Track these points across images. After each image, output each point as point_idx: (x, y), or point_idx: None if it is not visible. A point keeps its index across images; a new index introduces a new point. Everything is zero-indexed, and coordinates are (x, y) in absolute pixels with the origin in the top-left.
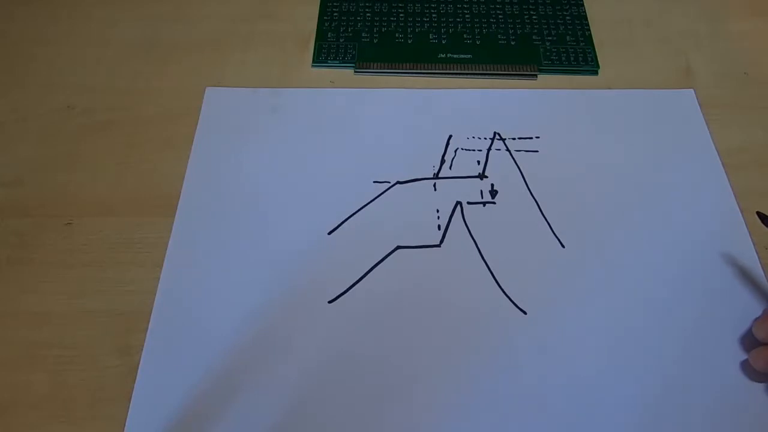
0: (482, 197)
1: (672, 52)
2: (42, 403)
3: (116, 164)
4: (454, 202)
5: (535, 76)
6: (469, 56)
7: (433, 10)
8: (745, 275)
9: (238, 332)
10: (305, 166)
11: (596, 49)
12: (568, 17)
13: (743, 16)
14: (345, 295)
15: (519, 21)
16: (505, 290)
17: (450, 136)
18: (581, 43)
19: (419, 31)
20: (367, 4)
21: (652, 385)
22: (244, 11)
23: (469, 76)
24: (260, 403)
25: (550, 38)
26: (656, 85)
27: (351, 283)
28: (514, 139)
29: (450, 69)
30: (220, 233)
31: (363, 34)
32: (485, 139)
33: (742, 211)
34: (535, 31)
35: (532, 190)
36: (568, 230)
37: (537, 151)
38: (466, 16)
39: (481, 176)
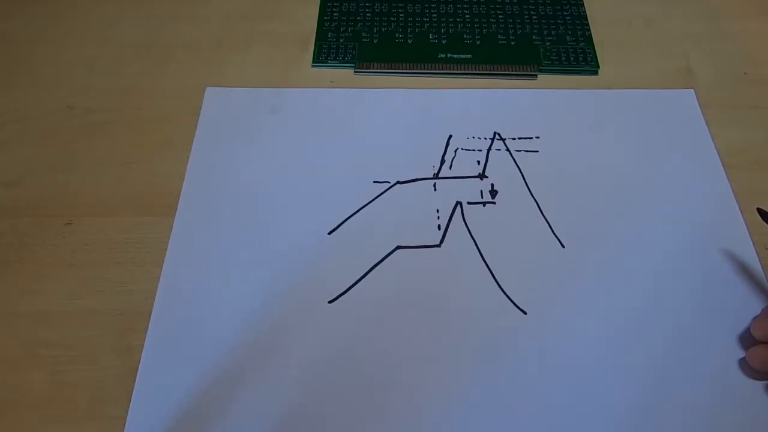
0: (482, 197)
1: (672, 52)
2: (42, 403)
3: (116, 164)
4: (454, 202)
5: (535, 76)
6: (469, 56)
7: (433, 10)
8: (745, 275)
9: (238, 332)
10: (305, 166)
11: (596, 49)
12: (568, 17)
13: (743, 16)
14: (345, 295)
15: (519, 21)
16: (505, 290)
17: (450, 136)
18: (581, 43)
19: (419, 31)
20: (367, 4)
21: (652, 384)
22: (244, 11)
23: (469, 76)
24: (260, 403)
25: (550, 38)
26: (656, 85)
27: (351, 283)
28: (514, 139)
29: (450, 69)
30: (220, 233)
31: (363, 34)
32: (485, 139)
33: (742, 211)
34: (535, 31)
35: (532, 190)
36: (568, 230)
37: (537, 151)
38: (466, 16)
39: (481, 176)
